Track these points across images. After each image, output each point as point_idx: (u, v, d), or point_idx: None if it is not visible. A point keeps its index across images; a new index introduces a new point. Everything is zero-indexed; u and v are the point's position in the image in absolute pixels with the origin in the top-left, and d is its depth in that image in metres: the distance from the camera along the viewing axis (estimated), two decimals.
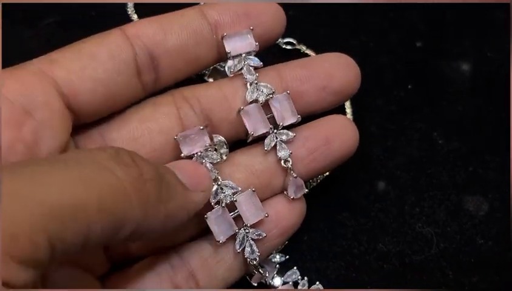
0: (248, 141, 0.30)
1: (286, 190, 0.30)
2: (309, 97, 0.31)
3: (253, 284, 0.31)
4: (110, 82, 0.28)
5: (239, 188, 0.29)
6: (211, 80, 0.37)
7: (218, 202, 0.29)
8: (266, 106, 0.30)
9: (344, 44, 0.39)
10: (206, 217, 0.29)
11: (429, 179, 0.35)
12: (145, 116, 0.30)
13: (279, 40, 0.38)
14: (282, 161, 0.30)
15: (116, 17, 0.38)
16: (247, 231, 0.29)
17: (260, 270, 0.30)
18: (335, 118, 0.31)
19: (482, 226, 0.34)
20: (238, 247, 0.29)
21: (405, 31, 0.40)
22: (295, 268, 0.33)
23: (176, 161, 0.28)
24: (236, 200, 0.29)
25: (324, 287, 0.32)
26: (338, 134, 0.31)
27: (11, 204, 0.19)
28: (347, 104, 0.37)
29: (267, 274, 0.31)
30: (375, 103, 0.38)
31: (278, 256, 0.32)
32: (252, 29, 0.30)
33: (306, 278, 0.32)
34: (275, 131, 0.30)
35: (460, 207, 0.35)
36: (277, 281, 0.32)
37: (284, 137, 0.30)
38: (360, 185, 0.35)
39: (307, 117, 0.31)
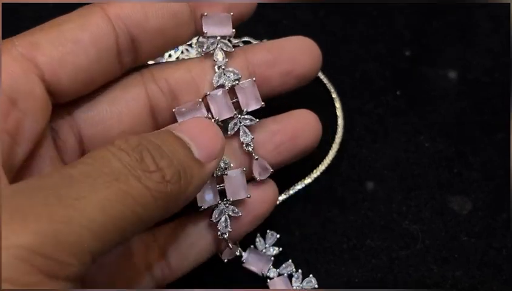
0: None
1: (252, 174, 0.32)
2: (274, 81, 0.32)
3: (224, 259, 0.32)
4: (91, 67, 0.28)
5: (232, 165, 0.31)
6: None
7: None
8: (232, 91, 0.31)
9: (335, 51, 0.41)
10: None
11: (416, 179, 0.37)
12: (114, 98, 0.30)
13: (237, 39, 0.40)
14: (244, 145, 0.31)
15: None
16: (226, 205, 0.31)
17: (230, 245, 0.31)
18: (303, 114, 0.33)
19: (465, 224, 0.36)
20: (214, 217, 0.31)
21: (394, 40, 0.42)
22: (290, 260, 0.34)
23: (190, 121, 0.28)
24: (226, 175, 0.31)
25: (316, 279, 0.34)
26: (303, 130, 0.32)
27: (52, 226, 0.20)
28: (339, 108, 0.39)
29: (237, 252, 0.33)
30: (364, 107, 0.39)
31: (272, 249, 0.34)
32: (232, 14, 0.31)
33: (300, 271, 0.34)
34: (239, 116, 0.31)
35: (444, 205, 0.36)
36: (272, 273, 0.33)
37: (247, 123, 0.31)
38: (349, 184, 0.37)
39: (272, 100, 0.32)
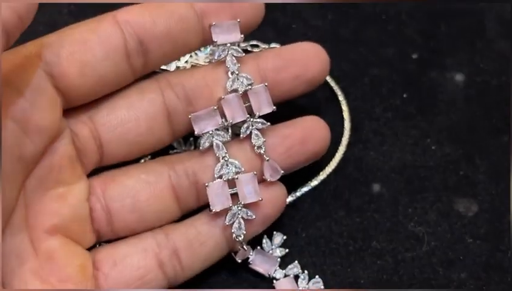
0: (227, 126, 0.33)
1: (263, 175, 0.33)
2: (284, 86, 0.33)
3: (238, 260, 0.33)
4: (99, 65, 0.30)
5: (243, 169, 0.32)
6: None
7: (220, 176, 0.32)
8: (245, 95, 0.32)
9: (344, 55, 0.41)
10: (207, 185, 0.31)
11: (422, 182, 0.37)
12: (132, 103, 0.32)
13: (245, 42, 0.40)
14: (255, 147, 0.32)
15: None
16: (239, 208, 0.32)
17: (244, 246, 0.33)
18: (311, 119, 0.34)
19: (471, 226, 0.36)
20: (227, 220, 0.32)
21: (402, 44, 0.42)
22: (296, 261, 0.34)
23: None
24: (237, 179, 0.32)
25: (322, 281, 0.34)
26: (313, 136, 0.34)
27: None
28: (345, 111, 0.39)
29: (250, 253, 0.33)
30: (373, 111, 0.40)
31: (278, 250, 0.34)
32: (239, 21, 0.32)
33: (306, 272, 0.34)
34: (252, 119, 0.32)
35: (450, 208, 0.36)
36: (279, 274, 0.34)
37: (259, 126, 0.32)
38: (356, 187, 0.37)
39: (282, 104, 0.34)
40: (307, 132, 0.34)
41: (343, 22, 0.43)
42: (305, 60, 0.34)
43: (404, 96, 0.40)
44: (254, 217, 0.32)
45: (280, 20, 0.43)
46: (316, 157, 0.34)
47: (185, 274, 0.32)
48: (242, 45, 0.39)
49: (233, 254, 0.33)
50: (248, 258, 0.34)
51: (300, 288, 0.34)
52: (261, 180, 0.33)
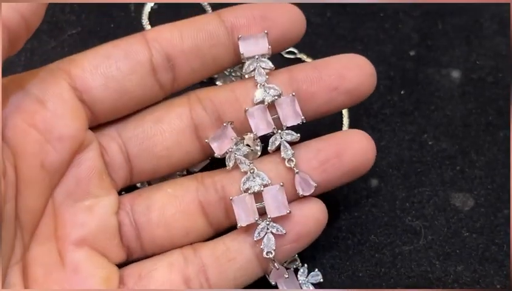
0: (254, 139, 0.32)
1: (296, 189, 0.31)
2: (320, 98, 0.31)
3: (271, 282, 0.32)
4: (123, 79, 0.30)
5: (270, 181, 0.31)
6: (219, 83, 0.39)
7: (246, 190, 0.31)
8: (273, 107, 0.31)
9: (343, 53, 0.42)
10: (232, 199, 0.30)
11: (419, 176, 0.38)
12: (159, 117, 0.32)
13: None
14: (286, 161, 0.31)
15: (133, 27, 0.42)
16: (267, 223, 0.30)
17: (276, 264, 0.31)
18: (350, 132, 0.33)
19: (467, 220, 0.37)
20: (256, 236, 0.30)
21: (399, 41, 0.43)
22: (296, 255, 0.34)
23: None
24: (263, 191, 0.30)
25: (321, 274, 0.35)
26: (351, 148, 0.31)
27: None
28: (345, 109, 0.40)
29: (285, 275, 0.32)
30: (371, 107, 0.40)
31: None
32: (266, 32, 0.31)
33: (305, 265, 0.35)
34: (280, 131, 0.31)
35: (447, 202, 0.37)
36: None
37: (288, 138, 0.31)
38: (354, 182, 0.37)
39: (319, 121, 0.33)
40: (344, 144, 0.31)
41: (341, 20, 0.43)
42: (342, 71, 0.31)
43: (402, 92, 0.41)
44: (285, 232, 0.31)
45: None
46: (359, 172, 0.32)
47: None
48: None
49: (267, 275, 0.32)
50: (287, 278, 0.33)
51: (300, 281, 0.34)
52: (296, 197, 0.31)
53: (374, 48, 0.42)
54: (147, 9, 0.42)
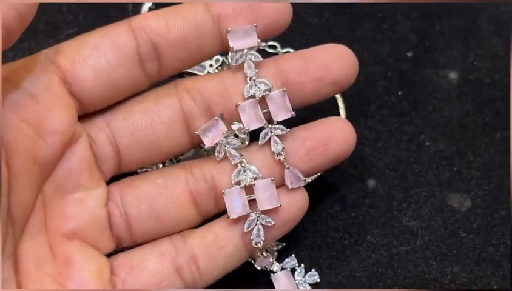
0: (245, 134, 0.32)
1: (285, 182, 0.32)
2: (307, 88, 0.32)
3: (257, 267, 0.34)
4: (112, 71, 0.30)
5: (260, 175, 0.31)
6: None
7: (238, 183, 0.31)
8: (264, 101, 0.32)
9: None
10: (223, 193, 0.31)
11: (416, 177, 0.38)
12: (148, 108, 0.32)
13: (263, 43, 0.40)
14: (275, 154, 0.32)
15: None
16: (258, 215, 0.31)
17: (264, 253, 0.33)
18: (333, 120, 0.33)
19: (464, 221, 0.37)
20: (246, 227, 0.31)
21: (397, 42, 0.43)
22: (293, 255, 0.35)
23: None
24: (254, 185, 0.31)
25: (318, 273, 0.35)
26: (335, 136, 0.32)
27: None
28: (341, 108, 0.40)
29: (270, 260, 0.34)
30: (368, 108, 0.41)
31: (275, 244, 0.35)
32: (255, 25, 0.31)
33: (302, 265, 0.35)
34: (270, 126, 0.32)
35: (444, 203, 0.37)
36: (276, 267, 0.34)
37: (278, 132, 0.32)
38: (351, 182, 0.38)
39: (306, 108, 0.33)
40: (329, 133, 0.32)
41: (338, 21, 0.44)
42: (327, 62, 0.32)
43: (399, 93, 0.41)
44: (273, 223, 0.32)
45: None
46: (341, 159, 0.33)
47: (203, 279, 0.32)
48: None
49: (252, 260, 0.34)
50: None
51: (297, 281, 0.34)
52: (282, 184, 0.32)
53: (372, 49, 0.43)
54: (144, 9, 0.42)
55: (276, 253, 0.35)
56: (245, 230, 0.31)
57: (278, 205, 0.32)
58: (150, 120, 0.32)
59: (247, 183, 0.31)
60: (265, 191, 0.31)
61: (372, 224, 0.37)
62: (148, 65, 0.31)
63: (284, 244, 0.35)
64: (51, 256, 0.29)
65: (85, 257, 0.30)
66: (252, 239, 0.32)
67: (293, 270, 0.35)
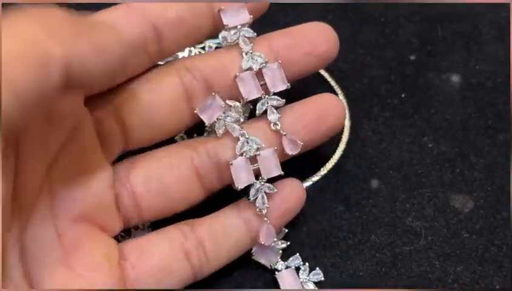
0: (241, 105, 0.33)
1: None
2: (297, 63, 0.34)
3: (262, 242, 0.34)
4: (113, 49, 0.29)
5: (264, 145, 0.33)
6: None
7: (242, 154, 0.32)
8: (259, 74, 0.33)
9: (344, 57, 0.42)
10: (231, 164, 0.32)
11: (419, 178, 0.38)
12: (152, 87, 0.32)
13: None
14: (272, 124, 0.33)
15: None
16: (262, 183, 0.33)
17: (267, 221, 0.33)
18: (327, 96, 0.35)
19: (467, 221, 0.37)
20: (251, 195, 0.33)
21: (400, 46, 0.43)
22: (297, 254, 0.35)
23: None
24: (259, 155, 0.32)
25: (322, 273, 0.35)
26: (330, 110, 0.34)
27: None
28: (346, 111, 0.40)
29: (284, 231, 0.35)
30: (371, 110, 0.41)
31: (280, 243, 0.35)
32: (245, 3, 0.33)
33: (307, 264, 0.35)
34: (267, 96, 0.33)
35: (447, 204, 0.38)
36: (280, 265, 0.35)
37: (274, 103, 0.33)
38: (355, 183, 0.38)
39: (296, 82, 0.34)
40: (324, 109, 0.34)
41: (342, 24, 0.44)
42: (314, 38, 0.34)
43: (402, 96, 0.41)
44: (276, 190, 0.33)
45: (281, 21, 0.44)
46: (334, 132, 0.35)
47: (210, 265, 0.33)
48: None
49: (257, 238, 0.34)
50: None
51: (301, 279, 0.35)
52: (282, 159, 0.33)
53: (375, 53, 0.43)
54: None
55: (280, 252, 0.35)
56: (251, 199, 0.33)
57: (282, 174, 0.33)
58: (155, 99, 0.32)
59: (252, 154, 0.32)
60: (269, 160, 0.33)
61: (376, 223, 0.37)
62: (151, 47, 0.32)
63: (289, 242, 0.36)
64: (59, 241, 0.29)
65: (94, 241, 0.30)
66: (256, 207, 0.33)
67: (297, 269, 0.35)
